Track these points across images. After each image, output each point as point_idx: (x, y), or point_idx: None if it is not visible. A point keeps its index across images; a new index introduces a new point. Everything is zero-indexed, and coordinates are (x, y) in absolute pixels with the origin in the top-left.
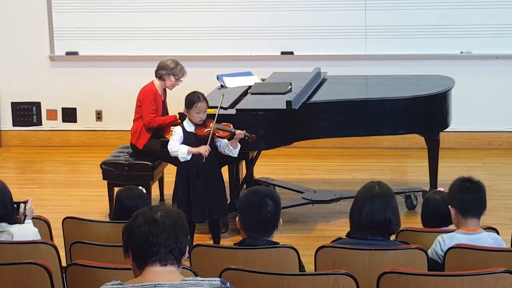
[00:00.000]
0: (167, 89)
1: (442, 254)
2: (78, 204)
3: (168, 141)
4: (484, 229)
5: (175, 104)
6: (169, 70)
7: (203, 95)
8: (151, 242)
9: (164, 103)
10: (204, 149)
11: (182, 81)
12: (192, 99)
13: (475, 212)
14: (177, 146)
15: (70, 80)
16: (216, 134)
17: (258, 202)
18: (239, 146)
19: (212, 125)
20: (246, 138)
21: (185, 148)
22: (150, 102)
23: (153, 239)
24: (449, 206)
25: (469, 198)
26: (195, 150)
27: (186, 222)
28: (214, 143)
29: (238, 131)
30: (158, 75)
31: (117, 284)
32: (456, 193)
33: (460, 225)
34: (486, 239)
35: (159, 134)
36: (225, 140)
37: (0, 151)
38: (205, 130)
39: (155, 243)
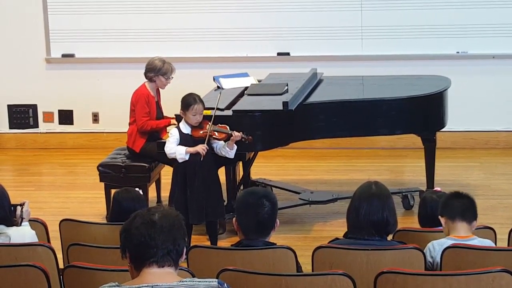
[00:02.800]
0: (160, 88)
1: (431, 261)
2: (75, 206)
3: (164, 142)
4: (481, 228)
5: (171, 105)
6: (157, 71)
7: (199, 97)
8: (149, 243)
9: (158, 104)
10: (201, 148)
11: (172, 77)
12: (189, 101)
13: (464, 217)
14: (174, 148)
15: (66, 82)
16: (213, 136)
17: (255, 203)
18: (235, 147)
19: (209, 127)
20: (243, 140)
21: (183, 148)
22: (142, 106)
23: (151, 240)
24: (439, 217)
25: (457, 203)
26: (192, 149)
27: (184, 224)
28: (210, 144)
29: (235, 133)
30: (148, 78)
31: (115, 286)
32: (445, 201)
33: (450, 232)
34: None
35: (155, 136)
36: (222, 142)
37: None
38: (202, 132)
39: (153, 244)
